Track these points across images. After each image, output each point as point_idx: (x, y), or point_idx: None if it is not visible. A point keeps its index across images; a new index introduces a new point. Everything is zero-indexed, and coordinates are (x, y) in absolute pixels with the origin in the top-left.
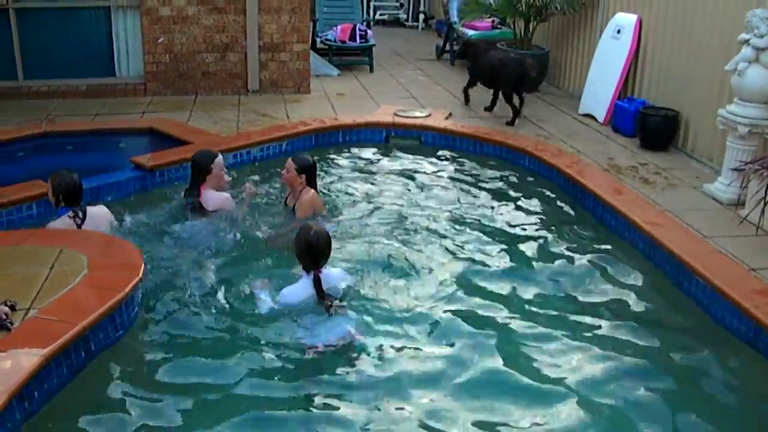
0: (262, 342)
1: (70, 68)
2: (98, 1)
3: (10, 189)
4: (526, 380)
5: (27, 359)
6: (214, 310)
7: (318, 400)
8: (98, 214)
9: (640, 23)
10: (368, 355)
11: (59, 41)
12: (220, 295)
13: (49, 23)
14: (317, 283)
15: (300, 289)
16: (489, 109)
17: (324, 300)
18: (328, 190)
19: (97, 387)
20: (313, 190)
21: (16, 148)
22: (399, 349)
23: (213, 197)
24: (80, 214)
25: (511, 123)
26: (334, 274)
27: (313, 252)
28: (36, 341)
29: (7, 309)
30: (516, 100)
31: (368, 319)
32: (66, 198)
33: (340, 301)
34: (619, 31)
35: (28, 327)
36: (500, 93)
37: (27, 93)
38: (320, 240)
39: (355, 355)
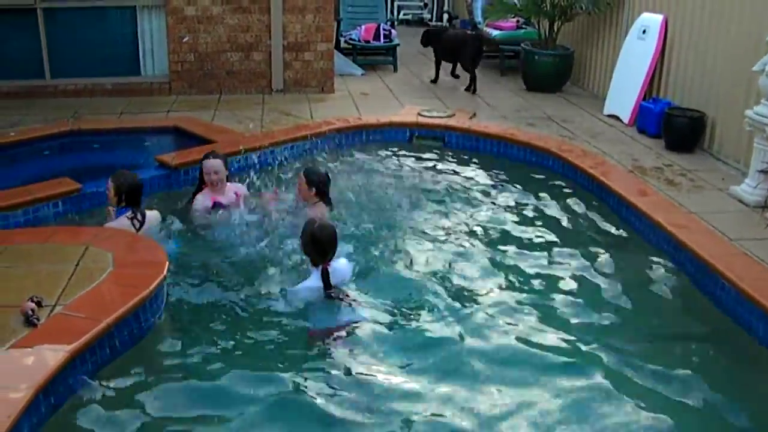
0: (276, 336)
1: (96, 67)
2: (124, 0)
3: (37, 186)
4: (535, 380)
5: (53, 355)
6: (236, 308)
7: (325, 390)
8: (153, 216)
9: (666, 23)
10: (374, 345)
11: (86, 40)
12: (241, 291)
13: (75, 23)
14: (325, 276)
15: (311, 284)
16: (454, 75)
17: (332, 294)
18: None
19: (121, 382)
20: (321, 208)
21: (43, 146)
22: (408, 342)
23: (200, 202)
24: (139, 216)
25: (467, 89)
26: (342, 267)
27: (318, 245)
28: (61, 337)
29: (33, 305)
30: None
31: (377, 312)
32: (128, 198)
33: (347, 295)
34: (644, 32)
35: (53, 323)
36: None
37: (54, 91)
38: (324, 233)
39: (361, 345)
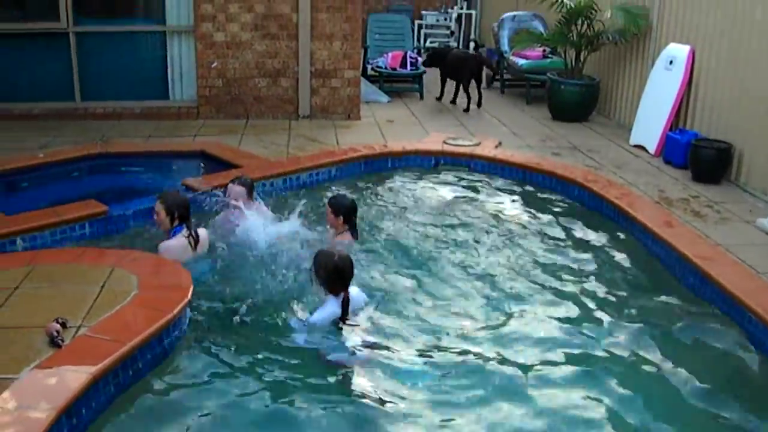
0: (293, 365)
1: (125, 91)
2: (154, 25)
3: (65, 208)
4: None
5: (76, 377)
6: (258, 332)
7: (340, 417)
8: (205, 234)
9: (693, 54)
10: (387, 375)
11: (116, 64)
12: (265, 315)
13: (106, 47)
14: (346, 305)
15: (330, 313)
16: (453, 101)
17: (347, 321)
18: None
19: (143, 405)
20: (347, 237)
21: (72, 168)
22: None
23: (219, 218)
24: (194, 234)
25: (466, 110)
26: (357, 295)
27: (341, 275)
28: (85, 359)
29: (58, 326)
30: (475, 92)
31: (390, 343)
32: (180, 216)
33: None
34: (671, 62)
35: (78, 345)
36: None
37: (84, 114)
38: (347, 263)
39: (375, 374)
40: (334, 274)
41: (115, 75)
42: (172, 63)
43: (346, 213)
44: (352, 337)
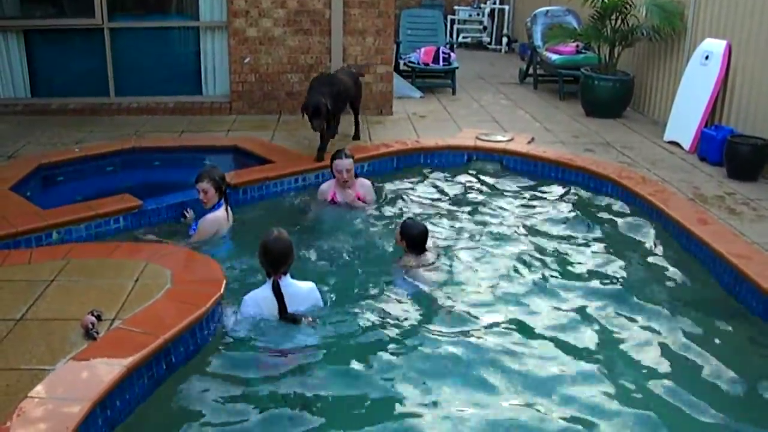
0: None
1: (159, 86)
2: (188, 21)
3: (100, 202)
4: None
5: (110, 369)
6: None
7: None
8: (229, 211)
9: (729, 49)
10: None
11: (149, 60)
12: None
13: (140, 42)
14: (276, 288)
15: (261, 295)
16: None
17: (287, 317)
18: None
19: (176, 399)
20: (410, 259)
21: (106, 162)
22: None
23: (324, 187)
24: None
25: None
26: (301, 291)
27: (268, 256)
28: (119, 351)
29: (93, 319)
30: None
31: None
32: (224, 190)
33: (312, 319)
34: (707, 57)
35: (112, 337)
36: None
37: (117, 109)
38: (278, 245)
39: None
40: (262, 252)
41: (148, 70)
42: (205, 58)
43: (410, 239)
44: (291, 331)
